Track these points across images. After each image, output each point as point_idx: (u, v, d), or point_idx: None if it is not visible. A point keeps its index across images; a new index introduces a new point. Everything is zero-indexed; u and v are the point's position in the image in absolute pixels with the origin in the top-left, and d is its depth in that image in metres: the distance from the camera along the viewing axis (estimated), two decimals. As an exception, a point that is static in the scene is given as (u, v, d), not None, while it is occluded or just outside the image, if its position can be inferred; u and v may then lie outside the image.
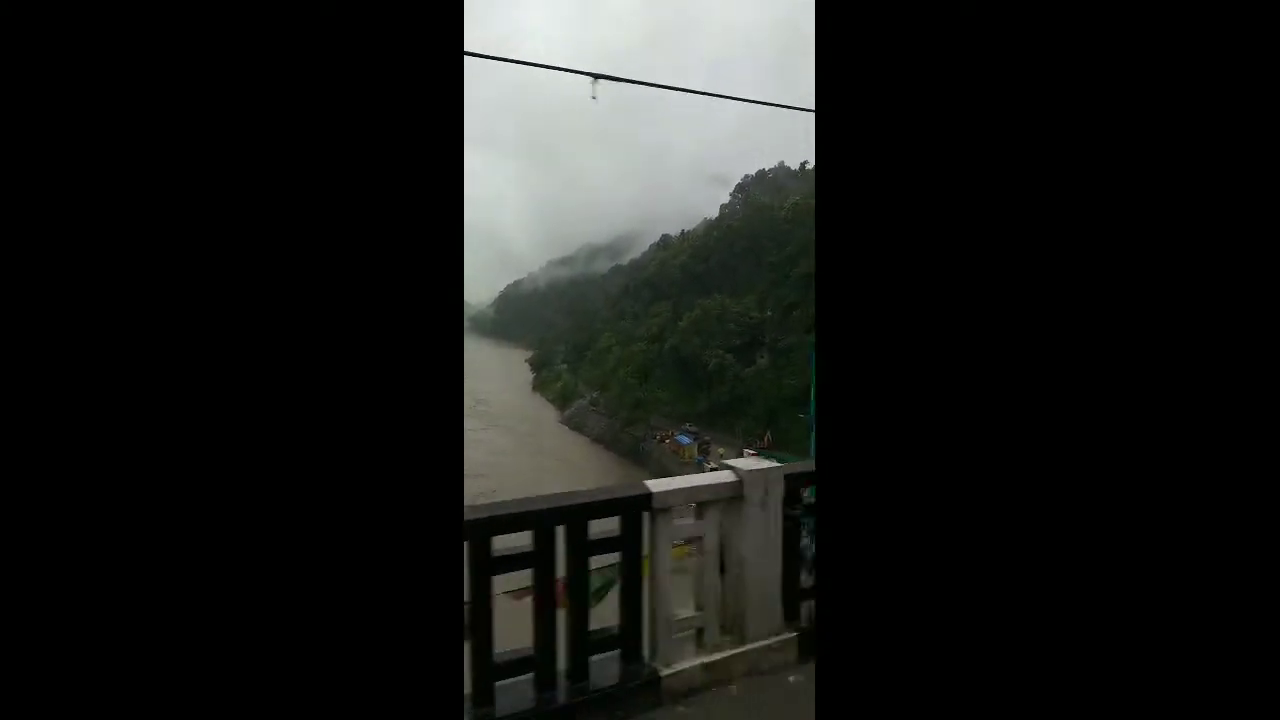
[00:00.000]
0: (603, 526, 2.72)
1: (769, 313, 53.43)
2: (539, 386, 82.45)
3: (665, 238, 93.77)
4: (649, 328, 65.88)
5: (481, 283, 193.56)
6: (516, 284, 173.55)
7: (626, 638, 2.76)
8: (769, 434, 46.20)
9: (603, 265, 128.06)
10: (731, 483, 2.96)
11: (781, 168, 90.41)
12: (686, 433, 48.94)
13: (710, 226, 79.56)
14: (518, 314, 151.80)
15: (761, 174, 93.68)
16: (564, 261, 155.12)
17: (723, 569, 2.98)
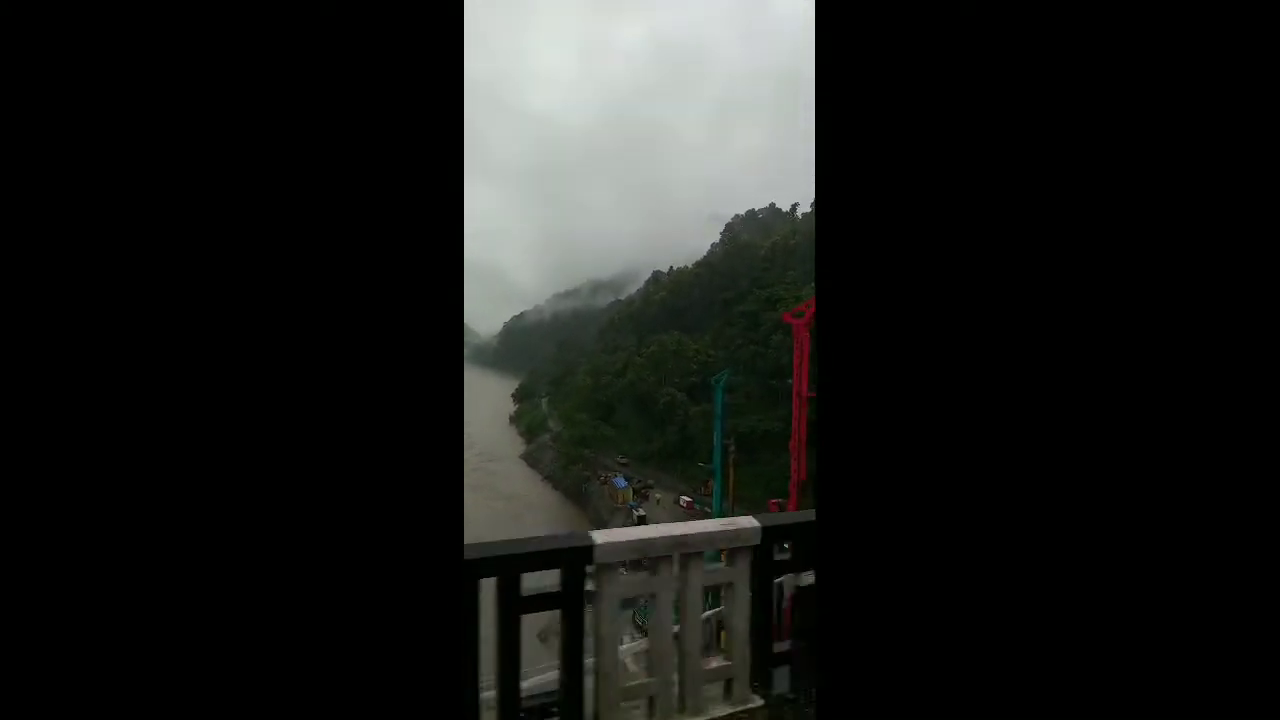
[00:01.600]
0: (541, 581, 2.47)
1: (720, 351, 51.88)
2: (515, 419, 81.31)
3: (657, 274, 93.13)
4: (614, 362, 64.73)
5: (487, 316, 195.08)
6: (520, 316, 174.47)
7: (567, 705, 2.48)
8: (710, 480, 44.19)
9: (604, 299, 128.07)
10: (678, 537, 2.65)
11: (771, 209, 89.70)
12: (624, 475, 47.05)
13: (698, 264, 78.88)
14: (520, 346, 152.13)
15: (751, 213, 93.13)
16: (567, 295, 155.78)
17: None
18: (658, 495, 42.57)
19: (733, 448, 32.65)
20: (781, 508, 29.46)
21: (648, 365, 54.34)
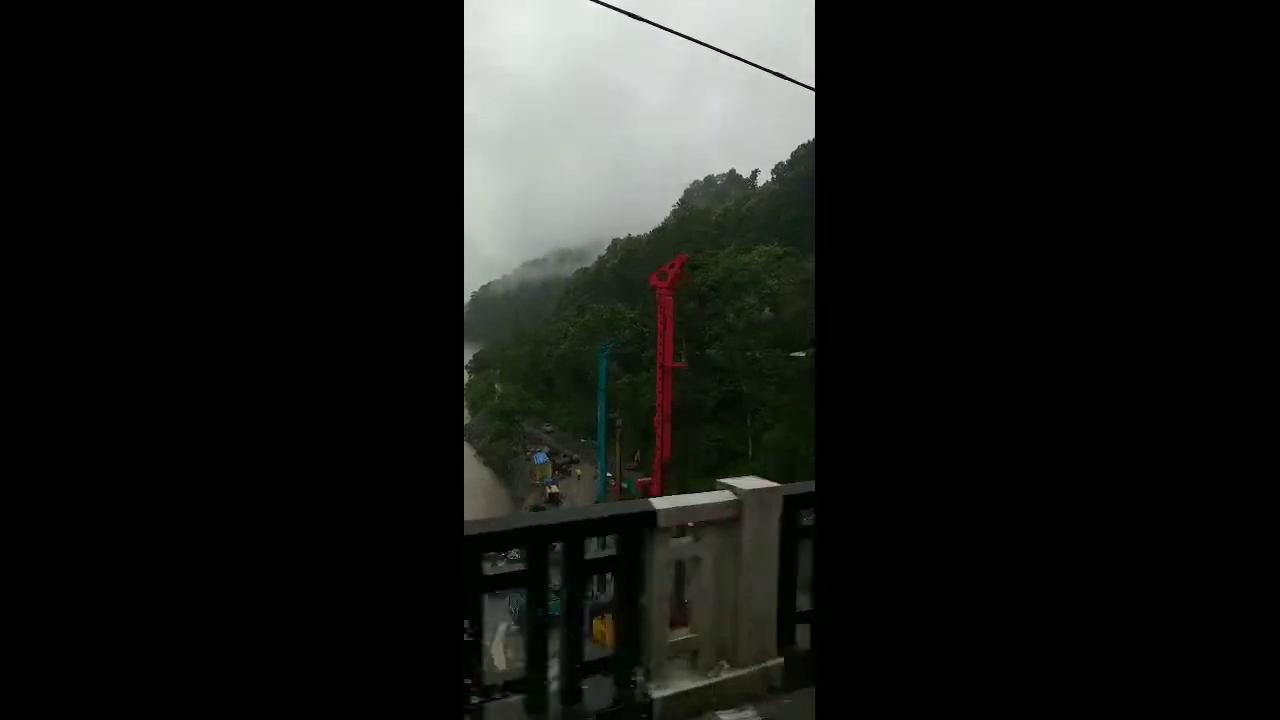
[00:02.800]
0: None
1: (652, 321, 49.77)
2: (467, 390, 79.20)
3: (615, 242, 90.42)
4: (555, 332, 62.49)
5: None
6: (488, 286, 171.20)
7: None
8: (638, 453, 42.48)
9: (571, 268, 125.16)
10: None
11: (731, 175, 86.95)
12: (548, 449, 45.14)
13: (652, 232, 76.38)
14: (488, 316, 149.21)
15: (710, 179, 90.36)
16: (535, 263, 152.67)
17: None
18: (579, 471, 40.61)
19: (619, 422, 30.66)
20: (647, 488, 27.77)
21: (582, 335, 52.09)
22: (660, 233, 72.27)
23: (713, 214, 66.23)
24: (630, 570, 2.60)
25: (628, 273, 68.79)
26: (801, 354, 34.49)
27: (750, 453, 37.14)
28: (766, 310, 41.05)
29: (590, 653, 2.60)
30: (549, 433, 48.74)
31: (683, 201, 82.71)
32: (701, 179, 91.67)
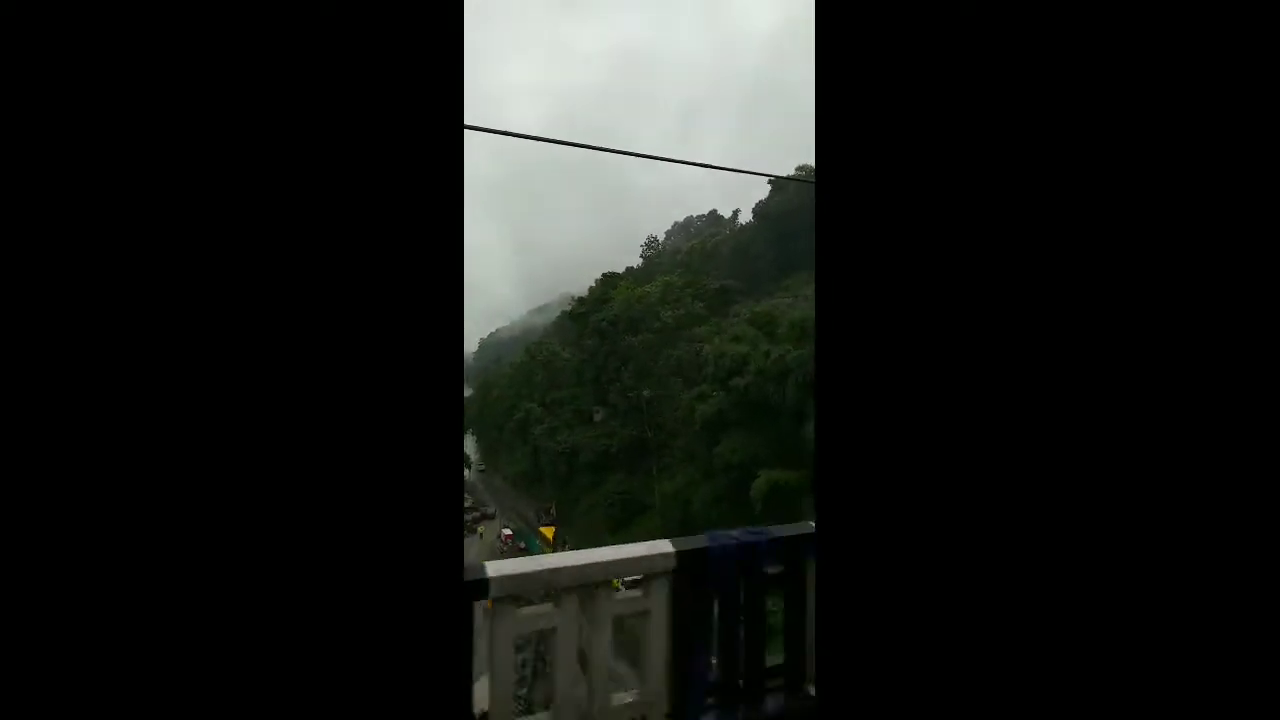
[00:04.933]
0: None
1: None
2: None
3: (593, 287, 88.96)
4: (502, 378, 60.25)
5: (467, 332, 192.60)
6: (496, 332, 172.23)
7: None
8: (554, 505, 39.11)
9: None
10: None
11: (711, 215, 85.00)
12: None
13: (625, 271, 74.68)
14: (494, 360, 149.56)
15: (690, 219, 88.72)
16: (540, 310, 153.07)
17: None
18: (480, 529, 37.08)
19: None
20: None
21: (519, 378, 49.59)
22: (630, 273, 70.42)
23: (680, 253, 63.89)
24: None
25: (594, 319, 66.90)
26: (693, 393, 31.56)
27: (655, 503, 33.66)
28: (666, 348, 38.06)
29: None
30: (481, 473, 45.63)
31: (663, 243, 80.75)
32: (681, 219, 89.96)
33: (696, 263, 62.71)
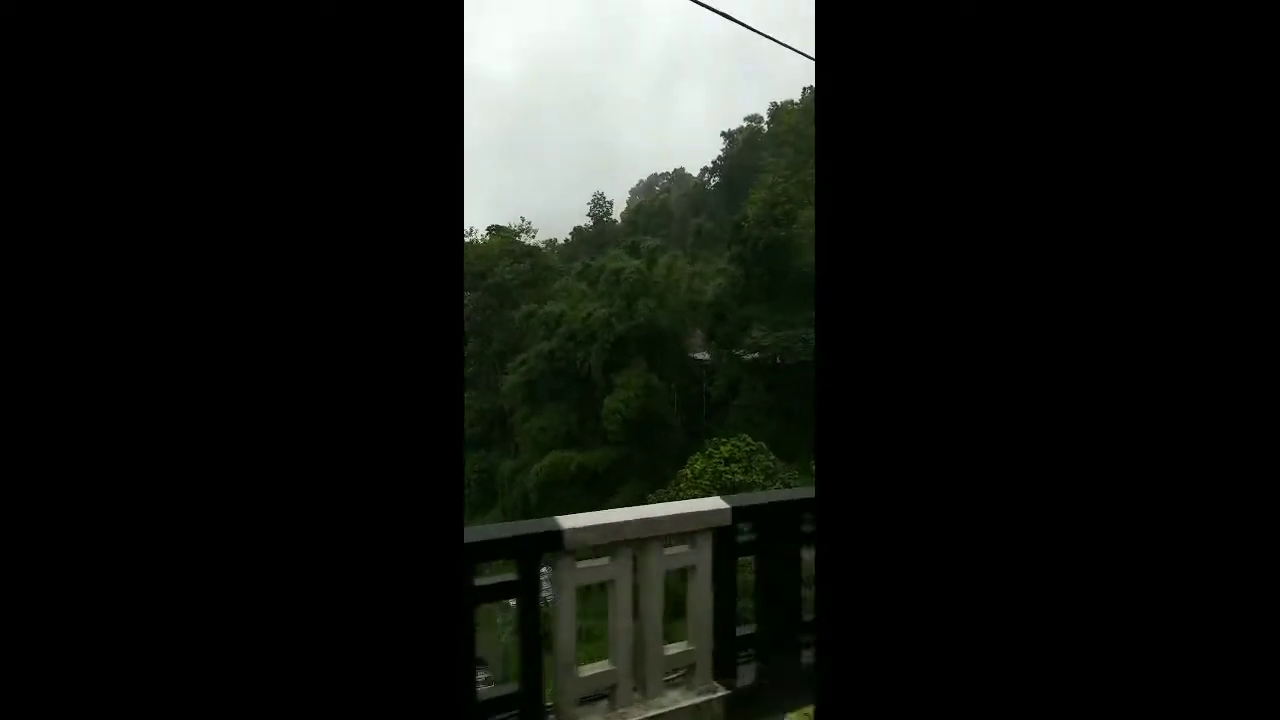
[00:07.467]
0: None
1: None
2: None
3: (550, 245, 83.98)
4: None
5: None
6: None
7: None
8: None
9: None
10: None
11: (677, 173, 79.33)
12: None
13: (573, 231, 69.77)
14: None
15: (654, 177, 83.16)
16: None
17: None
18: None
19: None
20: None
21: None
22: (579, 233, 65.24)
23: (625, 212, 58.71)
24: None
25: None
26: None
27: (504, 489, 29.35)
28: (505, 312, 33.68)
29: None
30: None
31: (617, 201, 75.49)
32: (645, 177, 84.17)
33: (642, 221, 57.42)
